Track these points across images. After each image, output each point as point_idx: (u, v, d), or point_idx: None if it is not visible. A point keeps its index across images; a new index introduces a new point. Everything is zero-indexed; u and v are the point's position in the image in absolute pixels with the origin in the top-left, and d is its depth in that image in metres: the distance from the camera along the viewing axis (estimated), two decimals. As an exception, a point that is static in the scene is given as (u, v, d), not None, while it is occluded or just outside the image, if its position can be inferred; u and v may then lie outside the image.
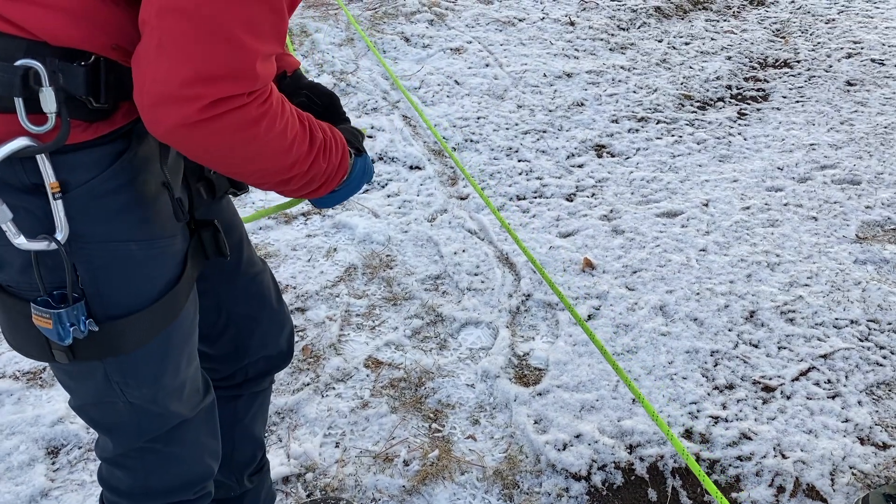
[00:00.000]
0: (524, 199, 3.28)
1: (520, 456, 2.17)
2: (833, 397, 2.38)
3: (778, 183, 3.42)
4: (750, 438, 2.23)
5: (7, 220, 0.94)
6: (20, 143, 0.91)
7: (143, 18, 0.90)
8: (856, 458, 2.17)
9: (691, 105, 4.04)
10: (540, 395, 2.35)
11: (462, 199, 3.26)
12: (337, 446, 2.18)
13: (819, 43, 4.70)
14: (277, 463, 2.10)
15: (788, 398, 2.38)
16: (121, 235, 1.04)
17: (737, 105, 4.07)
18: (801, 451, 2.20)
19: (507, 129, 3.74)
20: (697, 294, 2.76)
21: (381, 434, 2.22)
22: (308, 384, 2.36)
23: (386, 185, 3.33)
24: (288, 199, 1.49)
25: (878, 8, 5.14)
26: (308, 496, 2.05)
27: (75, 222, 0.99)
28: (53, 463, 2.11)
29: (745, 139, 3.76)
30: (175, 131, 0.91)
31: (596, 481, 2.11)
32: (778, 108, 4.04)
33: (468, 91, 4.03)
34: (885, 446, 2.22)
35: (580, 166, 3.50)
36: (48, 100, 0.90)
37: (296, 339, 2.47)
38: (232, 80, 0.91)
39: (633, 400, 2.35)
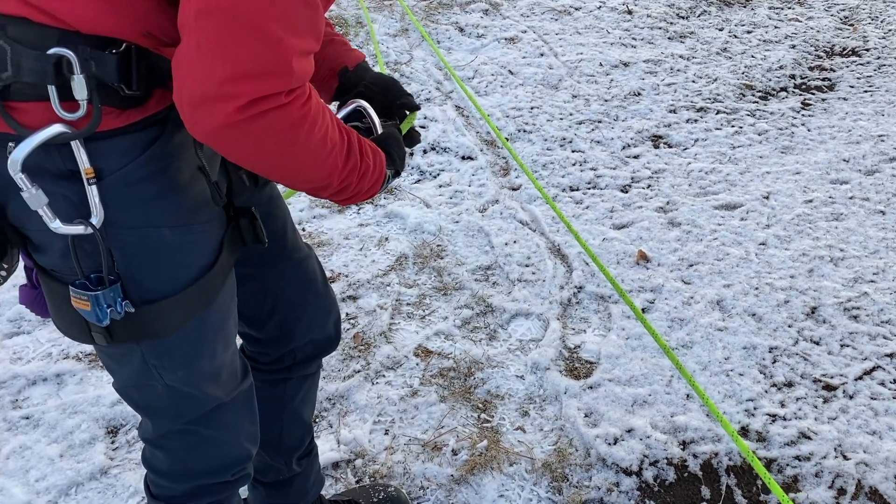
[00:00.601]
0: (577, 189, 3.23)
1: (569, 449, 2.15)
2: (899, 398, 2.28)
3: (843, 175, 3.29)
4: (809, 438, 2.16)
5: (42, 204, 0.96)
6: (55, 129, 0.93)
7: (181, 22, 0.91)
8: (923, 462, 2.09)
9: (753, 95, 3.92)
10: (591, 388, 2.32)
11: (514, 189, 3.24)
12: (386, 433, 2.19)
13: (890, 30, 4.51)
14: (328, 448, 2.12)
15: (851, 398, 2.29)
16: (154, 221, 1.05)
17: (801, 95, 3.93)
18: (864, 452, 2.12)
19: (560, 119, 3.69)
20: (756, 289, 2.69)
21: (429, 423, 2.22)
22: (359, 371, 2.37)
23: (438, 175, 3.32)
24: None
25: (954, -7, 4.90)
26: (357, 482, 2.07)
27: (110, 208, 1.01)
28: (113, 442, 2.17)
29: (808, 130, 3.63)
30: (216, 133, 0.92)
31: (647, 477, 2.08)
32: (844, 98, 3.89)
33: (522, 81, 3.99)
34: (954, 450, 2.13)
35: (636, 157, 3.43)
36: (80, 87, 0.91)
37: (347, 326, 2.50)
38: (269, 78, 0.90)
39: (687, 395, 2.30)
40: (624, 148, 3.50)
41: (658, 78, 4.03)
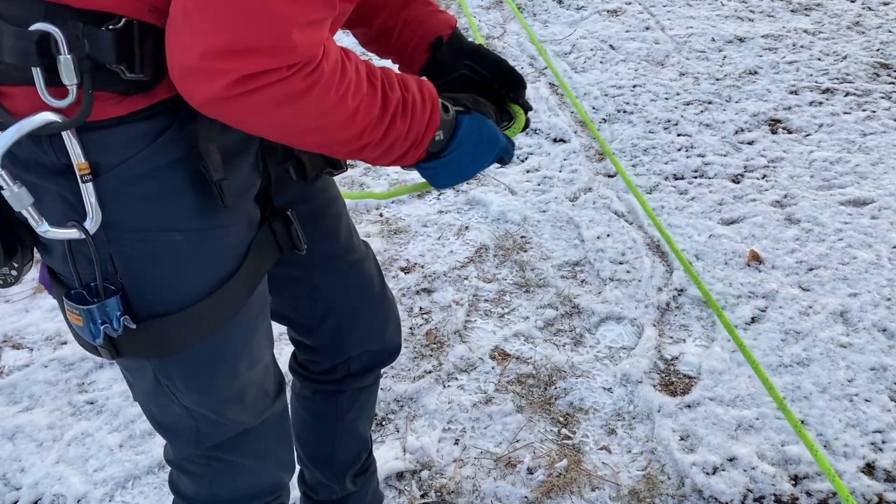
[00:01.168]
0: (682, 178, 2.92)
1: (661, 476, 1.90)
2: None
3: None
4: (952, 484, 1.83)
5: (26, 205, 0.83)
6: (41, 118, 0.79)
7: None
8: None
9: (888, 75, 3.47)
10: (688, 407, 2.05)
11: (610, 176, 2.96)
12: (456, 443, 2.01)
13: None
14: (392, 456, 1.96)
15: None
16: (162, 224, 0.91)
17: (947, 75, 3.45)
18: None
19: (666, 98, 3.37)
20: (888, 300, 2.33)
21: (504, 435, 2.02)
22: (430, 372, 2.19)
23: (526, 158, 3.08)
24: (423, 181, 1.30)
25: None
26: (422, 496, 1.89)
27: (109, 209, 0.87)
28: (171, 434, 2.08)
29: (956, 116, 3.17)
30: (206, 106, 0.81)
31: (751, 517, 1.81)
32: None
33: (624, 56, 3.68)
34: None
35: (750, 143, 3.08)
36: (67, 69, 0.78)
37: (420, 321, 2.32)
38: (264, 54, 0.77)
39: (802, 421, 2.00)
40: (736, 132, 3.15)
41: (778, 55, 3.63)
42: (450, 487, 1.90)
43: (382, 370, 1.53)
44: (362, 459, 1.55)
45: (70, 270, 0.91)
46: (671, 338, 2.27)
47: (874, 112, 3.22)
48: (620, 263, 2.54)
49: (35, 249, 0.98)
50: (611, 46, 3.76)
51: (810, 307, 2.32)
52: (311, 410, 1.46)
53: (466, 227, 2.73)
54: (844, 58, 3.58)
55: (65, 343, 2.33)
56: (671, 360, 2.20)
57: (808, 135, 3.11)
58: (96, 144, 0.84)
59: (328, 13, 0.80)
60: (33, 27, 0.77)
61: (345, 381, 1.42)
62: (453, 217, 2.78)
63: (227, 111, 0.81)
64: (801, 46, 3.68)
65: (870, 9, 3.98)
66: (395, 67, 1.16)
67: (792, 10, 4.00)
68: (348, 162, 1.13)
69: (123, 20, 0.79)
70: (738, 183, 2.88)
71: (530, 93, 3.43)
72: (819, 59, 3.58)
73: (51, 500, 1.88)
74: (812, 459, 1.89)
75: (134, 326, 0.92)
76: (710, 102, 3.33)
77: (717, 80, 3.48)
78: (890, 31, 3.77)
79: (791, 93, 3.36)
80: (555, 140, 3.18)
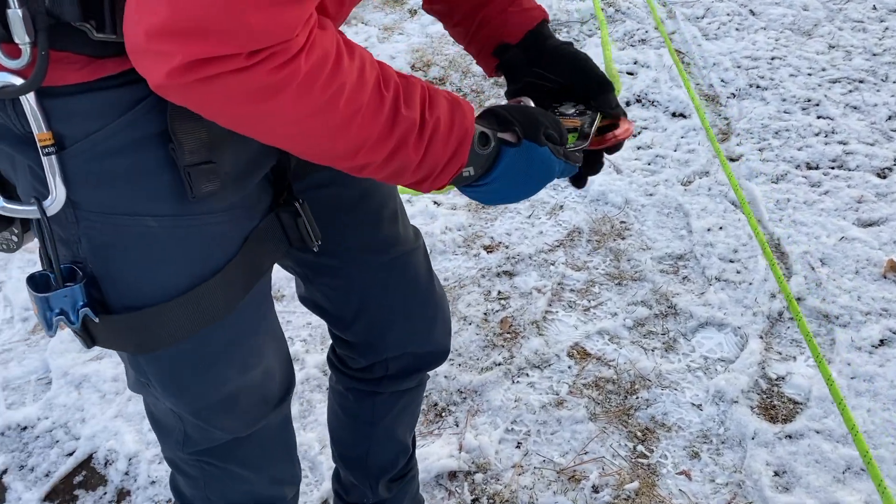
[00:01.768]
0: (817, 168, 2.56)
1: (746, 515, 1.66)
2: None
3: None
4: None
5: None
6: None
7: None
8: None
9: None
10: (789, 437, 1.78)
11: (732, 160, 2.64)
12: (518, 447, 1.84)
13: None
14: (447, 453, 1.82)
15: None
16: (135, 208, 0.79)
17: None
18: None
19: (808, 74, 2.97)
20: None
21: (572, 444, 1.83)
22: (499, 364, 2.02)
23: (639, 133, 2.80)
24: None
25: None
26: (473, 501, 1.75)
27: (77, 186, 0.77)
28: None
29: None
30: (161, 91, 0.68)
31: (850, 580, 1.55)
32: None
33: (765, 24, 3.27)
34: None
35: (904, 132, 2.66)
36: (16, 25, 0.68)
37: (496, 307, 2.16)
38: (212, 37, 0.63)
39: (929, 472, 1.69)
40: (890, 118, 2.72)
41: (954, 28, 3.11)
42: (504, 496, 1.74)
43: (430, 372, 1.37)
44: (399, 465, 1.42)
45: (46, 251, 0.81)
46: (779, 354, 1.99)
47: None
48: (731, 262, 2.25)
49: None
50: (751, 11, 3.35)
51: (957, 335, 1.97)
52: (345, 408, 1.34)
53: (561, 207, 2.51)
54: None
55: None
56: (776, 379, 1.92)
57: (980, 126, 2.65)
58: (60, 113, 0.74)
59: None
60: None
61: (382, 383, 1.28)
62: (548, 194, 2.57)
63: (185, 99, 0.68)
64: (985, 19, 3.14)
65: None
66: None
67: (978, -24, 3.42)
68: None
69: None
70: (885, 178, 2.49)
71: (652, 60, 3.12)
72: None
73: (104, 454, 1.88)
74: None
75: (97, 320, 0.83)
76: (861, 81, 2.90)
77: (874, 55, 3.02)
78: None
79: (965, 74, 2.88)
80: (673, 114, 2.87)
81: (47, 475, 1.86)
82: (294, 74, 0.67)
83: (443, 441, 1.86)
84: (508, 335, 2.10)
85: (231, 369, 0.94)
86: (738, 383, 1.90)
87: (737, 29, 3.26)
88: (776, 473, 1.72)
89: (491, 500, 1.74)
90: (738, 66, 3.04)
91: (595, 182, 2.55)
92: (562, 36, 3.41)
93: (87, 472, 1.86)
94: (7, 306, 2.31)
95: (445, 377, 1.99)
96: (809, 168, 2.56)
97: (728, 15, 3.35)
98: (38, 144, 0.73)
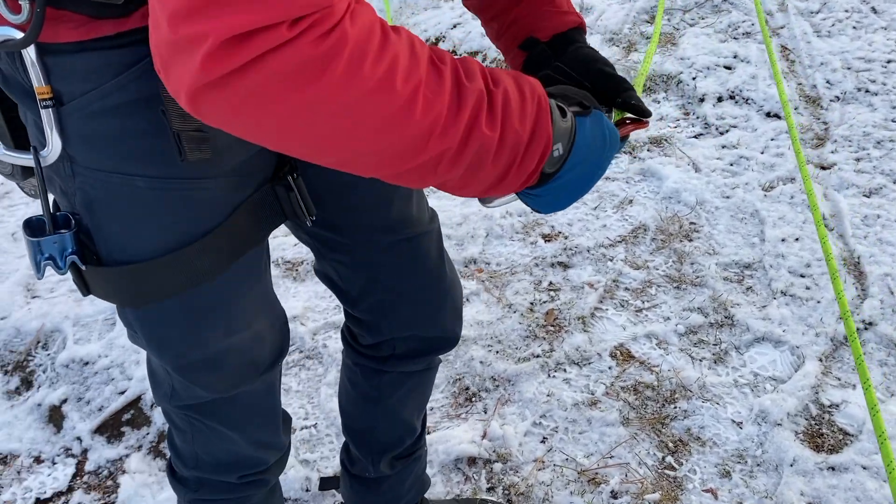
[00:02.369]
0: (917, 184, 2.36)
1: (770, 545, 1.57)
2: None
3: None
4: None
5: None
6: None
7: None
8: None
9: None
10: (832, 469, 1.67)
11: (823, 168, 2.46)
12: (543, 442, 1.81)
13: None
14: (469, 439, 1.81)
15: None
16: (125, 167, 0.81)
17: None
18: None
19: (927, 81, 2.72)
20: None
21: (598, 446, 1.78)
22: (538, 356, 1.99)
23: (726, 132, 2.66)
24: None
25: None
26: (488, 489, 1.74)
27: (73, 142, 0.80)
28: (273, 359, 2.11)
29: None
30: (195, 102, 0.60)
31: None
32: None
33: (886, 23, 3.01)
34: None
35: None
36: None
37: (544, 297, 2.12)
38: (246, 3, 0.56)
39: None
40: None
41: None
42: (520, 488, 1.72)
43: (443, 356, 1.37)
44: (405, 444, 1.42)
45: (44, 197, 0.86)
46: (837, 379, 1.86)
47: None
48: (801, 276, 2.11)
49: None
50: (872, 9, 3.10)
51: None
52: (354, 382, 1.35)
53: (630, 201, 2.43)
54: None
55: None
56: (828, 406, 1.80)
57: None
58: (59, 70, 0.76)
59: None
60: None
61: (389, 362, 1.29)
62: (619, 186, 2.49)
63: (223, 104, 0.60)
64: None
65: None
66: None
67: None
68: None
69: None
70: None
71: (753, 55, 2.94)
72: None
73: (150, 400, 1.99)
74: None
75: (83, 267, 0.86)
76: None
77: None
78: None
79: None
80: (767, 114, 2.70)
81: (100, 409, 1.99)
82: (341, 43, 0.59)
83: (468, 426, 1.85)
84: (552, 328, 2.06)
85: (215, 330, 0.97)
86: (785, 405, 1.79)
87: (853, 27, 3.02)
88: (811, 506, 1.62)
89: (506, 491, 1.73)
90: (848, 68, 2.82)
91: (670, 179, 2.45)
92: (661, 23, 3.27)
93: (135, 412, 1.98)
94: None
95: (481, 362, 1.98)
96: (910, 184, 2.36)
97: (846, 11, 3.11)
98: (37, 97, 0.76)
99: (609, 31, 3.25)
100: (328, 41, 0.59)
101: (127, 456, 1.88)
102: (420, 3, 3.70)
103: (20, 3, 0.71)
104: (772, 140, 2.58)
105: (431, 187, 0.76)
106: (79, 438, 1.93)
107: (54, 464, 1.89)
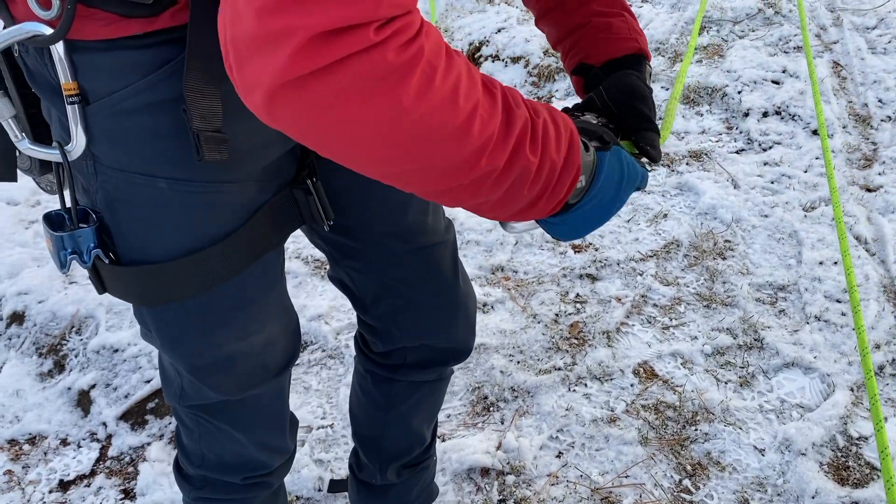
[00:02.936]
0: (969, 211, 2.26)
1: (785, 578, 1.53)
2: None
3: None
4: None
5: (7, 116, 0.81)
6: (26, 28, 0.74)
7: None
8: None
9: None
10: (856, 505, 1.61)
11: (869, 190, 2.38)
12: (558, 457, 1.79)
13: None
14: (484, 449, 1.80)
15: None
16: (149, 168, 0.82)
17: None
18: None
19: None
20: None
21: (614, 464, 1.75)
22: (559, 369, 1.97)
23: (770, 148, 2.59)
24: None
25: None
26: (499, 502, 1.72)
27: (98, 141, 0.81)
28: (296, 357, 2.12)
29: None
30: (273, 100, 0.59)
31: None
32: None
33: (947, 42, 2.90)
34: None
35: None
36: None
37: (570, 309, 2.10)
38: (341, 1, 0.56)
39: None
40: None
41: None
42: (531, 503, 1.70)
43: (455, 367, 1.36)
44: (413, 454, 1.42)
45: (64, 193, 0.87)
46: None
47: None
48: (837, 301, 2.04)
49: None
50: (933, 26, 2.99)
51: None
52: (364, 389, 1.35)
53: (665, 215, 2.38)
54: None
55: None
56: (857, 439, 1.74)
57: None
58: (86, 67, 0.77)
59: None
60: None
61: (400, 370, 1.29)
62: (654, 200, 2.44)
63: (302, 109, 0.60)
64: None
65: None
66: None
67: None
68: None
69: None
70: None
71: (802, 71, 2.86)
72: None
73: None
74: None
75: (107, 261, 0.87)
76: None
77: None
78: None
79: None
80: (814, 132, 2.63)
81: (126, 396, 2.04)
82: (419, 55, 0.60)
83: (483, 436, 1.84)
84: (576, 340, 2.04)
85: (229, 332, 0.97)
86: (811, 435, 1.73)
87: (911, 44, 2.92)
88: (831, 541, 1.57)
89: (518, 504, 1.71)
90: (903, 87, 2.73)
91: (707, 194, 2.40)
92: (710, 33, 3.20)
93: (159, 401, 2.02)
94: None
95: (501, 372, 1.96)
96: (960, 210, 2.27)
97: (905, 28, 3.00)
98: (64, 94, 0.77)
99: (655, 40, 3.20)
100: (409, 50, 0.59)
101: (149, 444, 1.92)
102: (466, 6, 3.69)
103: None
104: (816, 159, 2.50)
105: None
106: (104, 424, 1.98)
107: (79, 447, 1.94)
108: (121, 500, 1.80)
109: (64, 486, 1.85)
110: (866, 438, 1.74)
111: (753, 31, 3.17)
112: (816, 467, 1.68)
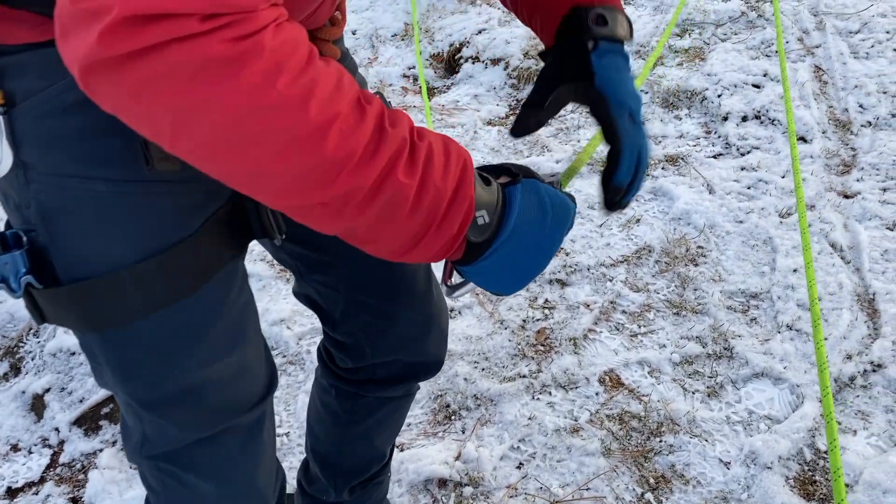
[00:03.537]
0: (947, 219, 2.22)
1: None
2: None
3: None
4: None
5: None
6: None
7: None
8: None
9: None
10: (821, 521, 1.57)
11: (846, 196, 2.34)
12: (518, 468, 1.74)
13: None
14: (442, 459, 1.75)
15: None
16: (84, 170, 0.74)
17: None
18: None
19: (968, 110, 2.57)
20: None
21: (575, 476, 1.70)
22: (524, 376, 1.92)
23: (747, 153, 2.55)
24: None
25: None
26: (457, 514, 1.67)
27: (26, 146, 0.74)
28: (257, 362, 2.07)
29: None
30: (87, 77, 0.58)
31: None
32: None
33: (930, 47, 2.86)
34: None
35: None
36: None
37: (538, 315, 2.05)
38: None
39: None
40: None
41: None
42: (489, 515, 1.65)
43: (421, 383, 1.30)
44: (371, 472, 1.36)
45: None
46: (838, 424, 1.74)
47: None
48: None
49: None
50: (916, 31, 2.95)
51: None
52: (326, 403, 1.28)
53: (637, 220, 2.34)
54: None
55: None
56: (824, 452, 1.69)
57: None
58: (13, 70, 0.71)
59: None
60: None
61: (366, 387, 1.22)
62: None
63: (117, 85, 0.57)
64: None
65: None
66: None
67: None
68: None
69: None
70: None
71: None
72: None
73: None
74: None
75: (39, 287, 0.78)
76: None
77: None
78: None
79: None
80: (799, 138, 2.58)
81: (81, 401, 1.98)
82: (256, 49, 0.56)
83: (443, 445, 1.79)
84: (542, 347, 1.99)
85: (191, 358, 0.86)
86: (777, 448, 1.68)
87: (894, 49, 2.88)
88: (794, 558, 1.52)
89: (476, 517, 1.66)
90: (884, 92, 2.69)
91: (681, 199, 2.35)
92: (692, 36, 3.16)
93: (114, 406, 1.96)
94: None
95: (465, 379, 1.92)
96: (938, 218, 2.23)
97: (888, 32, 2.96)
98: None
99: (636, 43, 3.16)
100: (241, 45, 0.56)
101: (101, 450, 1.87)
102: (448, 7, 3.64)
103: None
104: (794, 164, 2.46)
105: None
106: (57, 429, 1.93)
107: (30, 453, 1.89)
108: (67, 508, 1.75)
109: (11, 493, 1.80)
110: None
111: (736, 34, 3.13)
112: (782, 481, 1.64)
